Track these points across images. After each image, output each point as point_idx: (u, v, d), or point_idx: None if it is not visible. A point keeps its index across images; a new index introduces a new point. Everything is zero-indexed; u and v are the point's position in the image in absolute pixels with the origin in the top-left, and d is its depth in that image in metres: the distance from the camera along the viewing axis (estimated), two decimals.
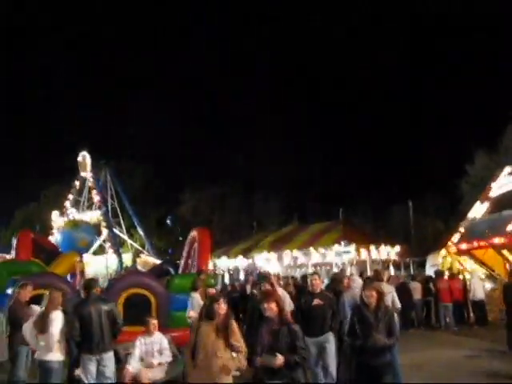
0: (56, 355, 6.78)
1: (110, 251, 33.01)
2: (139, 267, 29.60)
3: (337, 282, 9.86)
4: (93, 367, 6.77)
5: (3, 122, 43.31)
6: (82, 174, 37.40)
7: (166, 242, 42.85)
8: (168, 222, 46.49)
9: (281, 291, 9.00)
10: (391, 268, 25.00)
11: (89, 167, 37.04)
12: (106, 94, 46.02)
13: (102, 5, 52.48)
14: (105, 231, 34.63)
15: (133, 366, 7.67)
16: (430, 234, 34.13)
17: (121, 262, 31.75)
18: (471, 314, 16.27)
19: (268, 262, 24.82)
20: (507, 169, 19.80)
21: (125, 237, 38.25)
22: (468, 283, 16.42)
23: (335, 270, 21.52)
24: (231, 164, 42.60)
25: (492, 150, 32.40)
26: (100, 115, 42.85)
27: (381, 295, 6.18)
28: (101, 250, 35.13)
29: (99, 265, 31.22)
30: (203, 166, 46.22)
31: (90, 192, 37.06)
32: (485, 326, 15.40)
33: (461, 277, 17.46)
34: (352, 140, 43.01)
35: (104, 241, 34.74)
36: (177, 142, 44.42)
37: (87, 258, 32.63)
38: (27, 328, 7.02)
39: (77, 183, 37.88)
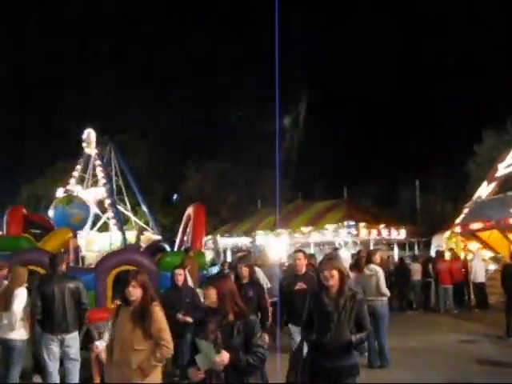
0: (19, 333, 6.48)
1: (115, 228, 32.93)
2: (143, 245, 29.45)
3: None
4: (55, 347, 6.47)
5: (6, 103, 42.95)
6: (87, 150, 37.16)
7: (172, 219, 42.55)
8: (174, 198, 46.18)
9: (257, 272, 8.20)
10: (396, 248, 24.63)
11: (94, 144, 36.78)
12: (106, 93, 46.10)
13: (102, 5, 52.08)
14: (109, 208, 34.49)
15: (99, 346, 7.34)
16: (437, 214, 33.53)
17: (125, 239, 31.63)
18: (472, 297, 15.93)
19: (270, 240, 24.43)
20: None
21: (129, 214, 38.09)
22: (469, 265, 16.01)
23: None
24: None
25: (501, 130, 31.69)
26: (101, 115, 42.90)
27: (343, 276, 4.79)
28: (105, 227, 35.06)
29: (103, 242, 31.28)
30: (210, 141, 45.65)
31: (94, 169, 36.83)
32: (485, 309, 15.06)
33: (462, 258, 17.05)
34: (359, 121, 42.45)
35: (108, 218, 34.63)
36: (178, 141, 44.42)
37: (92, 235, 32.76)
38: None
39: (82, 160, 37.64)
